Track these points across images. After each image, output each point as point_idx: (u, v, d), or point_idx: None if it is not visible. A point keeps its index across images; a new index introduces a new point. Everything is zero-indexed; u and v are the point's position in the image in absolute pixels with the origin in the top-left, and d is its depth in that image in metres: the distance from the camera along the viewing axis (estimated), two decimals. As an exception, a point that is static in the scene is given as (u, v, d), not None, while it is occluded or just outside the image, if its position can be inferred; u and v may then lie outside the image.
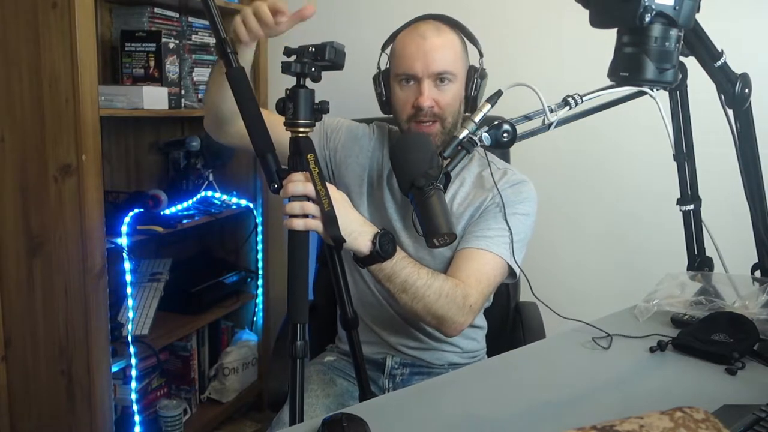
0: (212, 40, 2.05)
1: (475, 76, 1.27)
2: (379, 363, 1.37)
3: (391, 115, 1.32)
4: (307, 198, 0.99)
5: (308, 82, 0.99)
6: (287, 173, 1.00)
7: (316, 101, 1.00)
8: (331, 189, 1.02)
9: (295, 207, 0.98)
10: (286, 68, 0.97)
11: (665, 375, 1.01)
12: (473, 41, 1.32)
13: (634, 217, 1.87)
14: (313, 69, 0.96)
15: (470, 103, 1.28)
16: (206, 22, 2.01)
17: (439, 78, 1.23)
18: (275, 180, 1.00)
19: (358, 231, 1.04)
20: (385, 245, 1.04)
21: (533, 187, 1.31)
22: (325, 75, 1.00)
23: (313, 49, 0.96)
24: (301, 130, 0.99)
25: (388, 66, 1.31)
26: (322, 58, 0.96)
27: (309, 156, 0.98)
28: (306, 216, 0.98)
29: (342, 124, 1.41)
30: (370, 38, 1.94)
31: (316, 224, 0.99)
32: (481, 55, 1.31)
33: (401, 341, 1.35)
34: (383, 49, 1.33)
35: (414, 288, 1.09)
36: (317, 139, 1.37)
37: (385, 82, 1.30)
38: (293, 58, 0.97)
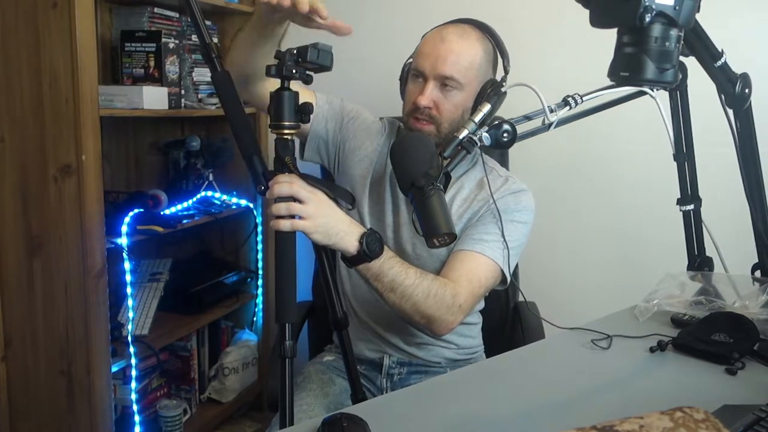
0: (212, 40, 2.05)
1: (489, 90, 1.23)
2: (377, 363, 1.37)
3: None
4: (293, 199, 0.99)
5: (299, 85, 0.99)
6: (273, 174, 1.01)
7: (302, 102, 0.99)
8: (317, 192, 1.02)
9: (281, 208, 0.99)
10: (267, 71, 0.97)
11: (665, 375, 1.01)
12: (503, 56, 1.29)
13: (634, 217, 1.87)
14: (294, 71, 0.96)
15: None
16: (207, 22, 2.01)
17: (445, 82, 1.22)
18: (261, 182, 1.01)
19: (344, 231, 1.05)
20: (372, 245, 1.05)
21: (532, 197, 1.31)
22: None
23: (295, 52, 0.96)
24: (286, 132, 0.99)
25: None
26: (305, 60, 0.95)
27: (287, 159, 0.99)
28: (292, 217, 0.99)
29: (360, 114, 1.40)
30: (373, 38, 1.96)
31: (302, 225, 1.00)
32: (506, 72, 1.28)
33: (398, 337, 1.35)
34: (423, 38, 1.31)
35: (402, 287, 1.10)
36: (333, 123, 1.37)
37: (408, 72, 1.31)
38: (276, 61, 0.97)
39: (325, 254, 1.09)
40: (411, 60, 1.31)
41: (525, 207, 1.29)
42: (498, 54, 1.29)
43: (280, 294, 0.98)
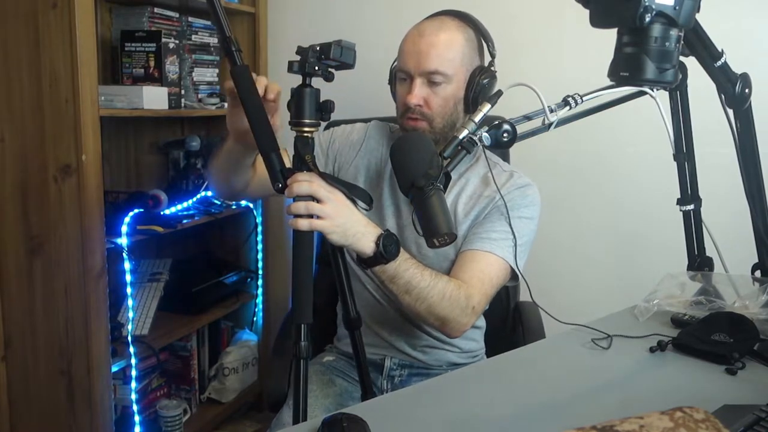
0: (212, 40, 2.05)
1: (477, 77, 1.23)
2: (378, 364, 1.37)
3: None
4: (312, 198, 0.98)
5: (321, 82, 0.99)
6: (291, 172, 0.99)
7: (323, 100, 0.99)
8: (336, 192, 1.02)
9: (300, 207, 0.98)
10: (289, 67, 0.96)
11: (665, 375, 1.01)
12: (487, 41, 1.28)
13: (635, 217, 1.87)
14: (317, 68, 0.95)
15: (472, 105, 1.24)
16: (206, 22, 2.02)
17: (431, 78, 1.21)
18: (279, 179, 0.99)
19: (361, 232, 1.04)
20: (388, 246, 1.04)
21: (538, 191, 1.30)
22: (335, 74, 0.99)
23: (318, 48, 0.95)
24: (306, 129, 0.98)
25: None
26: (327, 57, 0.94)
27: (307, 157, 0.99)
28: (311, 216, 0.98)
29: (335, 134, 1.42)
30: (374, 38, 1.95)
31: (320, 224, 0.99)
32: (492, 57, 1.28)
33: (401, 340, 1.35)
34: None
35: (417, 289, 1.09)
36: (323, 160, 1.38)
37: (395, 75, 1.30)
38: (299, 57, 0.97)
39: (340, 255, 1.09)
40: (396, 63, 1.30)
41: (531, 202, 1.28)
42: (482, 40, 1.28)
43: (297, 294, 0.96)
